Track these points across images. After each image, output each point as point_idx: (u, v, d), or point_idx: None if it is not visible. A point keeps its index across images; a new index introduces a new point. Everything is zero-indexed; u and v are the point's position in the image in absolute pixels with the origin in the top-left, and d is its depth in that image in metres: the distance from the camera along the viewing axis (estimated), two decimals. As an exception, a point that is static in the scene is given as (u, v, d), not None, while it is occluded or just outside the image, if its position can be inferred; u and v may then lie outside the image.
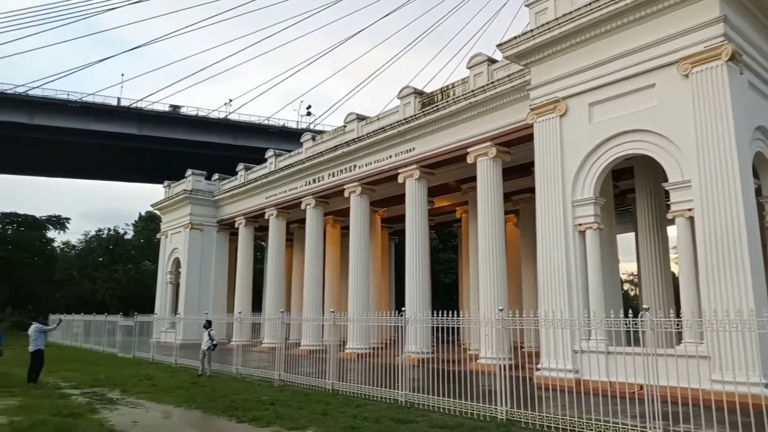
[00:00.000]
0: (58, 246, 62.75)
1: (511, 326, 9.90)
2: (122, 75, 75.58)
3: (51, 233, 58.67)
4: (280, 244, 28.23)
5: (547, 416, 8.26)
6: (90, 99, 49.26)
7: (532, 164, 14.61)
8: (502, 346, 9.39)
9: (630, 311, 8.26)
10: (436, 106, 18.31)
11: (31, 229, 55.51)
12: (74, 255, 61.05)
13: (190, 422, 9.35)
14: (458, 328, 10.56)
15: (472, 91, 17.01)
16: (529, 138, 14.50)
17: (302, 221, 26.94)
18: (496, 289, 16.05)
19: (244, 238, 30.71)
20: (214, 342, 16.27)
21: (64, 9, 40.77)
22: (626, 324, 8.07)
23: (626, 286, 55.53)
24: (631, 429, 7.49)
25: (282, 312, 16.53)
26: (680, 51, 11.16)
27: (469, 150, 17.52)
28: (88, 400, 11.15)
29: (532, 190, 16.21)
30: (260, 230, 31.47)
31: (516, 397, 8.90)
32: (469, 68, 17.95)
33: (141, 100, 50.48)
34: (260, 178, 28.68)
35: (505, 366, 9.02)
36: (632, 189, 17.05)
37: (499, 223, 16.78)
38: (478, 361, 14.95)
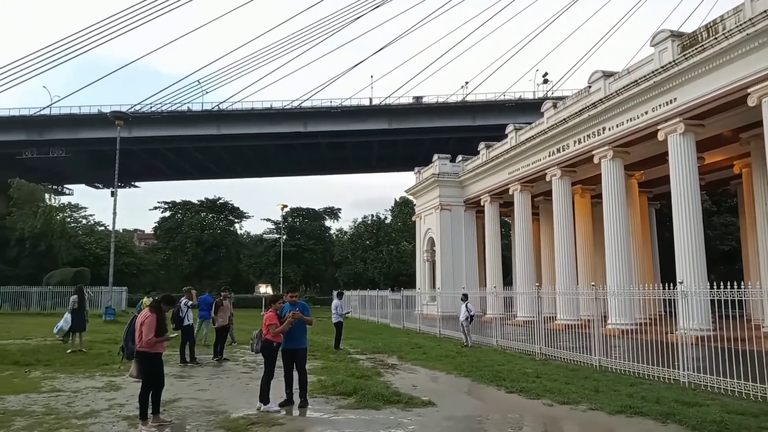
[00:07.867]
0: (334, 233, 73.26)
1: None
2: (371, 76, 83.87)
3: (327, 222, 68.84)
4: (527, 218, 27.96)
5: None
6: (347, 103, 55.92)
7: None
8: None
9: None
10: (702, 45, 15.71)
11: (312, 219, 65.83)
12: (347, 239, 70.44)
13: (462, 389, 10.00)
14: (745, 302, 9.04)
15: (750, 19, 14.09)
16: (841, 63, 11.44)
17: (547, 194, 26.15)
18: (801, 256, 13.20)
19: (490, 214, 31.33)
20: (471, 314, 17.07)
21: (318, 28, 47.02)
22: None
23: None
24: None
25: (537, 286, 16.43)
26: None
27: (749, 90, 14.64)
28: (372, 365, 12.75)
29: None
30: (505, 206, 31.68)
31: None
32: (742, -8, 14.94)
33: (389, 96, 55.34)
34: (501, 155, 28.75)
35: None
36: None
37: (800, 174, 13.70)
38: (780, 340, 12.57)
